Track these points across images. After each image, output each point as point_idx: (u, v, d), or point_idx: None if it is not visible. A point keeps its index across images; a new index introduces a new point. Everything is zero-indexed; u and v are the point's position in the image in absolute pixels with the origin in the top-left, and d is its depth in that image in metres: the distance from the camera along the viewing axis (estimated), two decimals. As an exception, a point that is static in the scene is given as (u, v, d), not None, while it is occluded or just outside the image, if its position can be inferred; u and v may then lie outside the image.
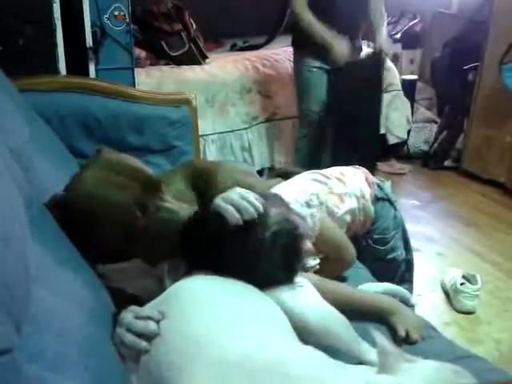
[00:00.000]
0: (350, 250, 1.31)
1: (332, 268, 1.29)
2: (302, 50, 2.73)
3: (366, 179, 1.45)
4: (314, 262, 1.26)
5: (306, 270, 1.20)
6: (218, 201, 0.98)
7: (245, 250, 0.97)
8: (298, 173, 1.54)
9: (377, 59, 2.78)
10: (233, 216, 0.95)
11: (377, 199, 1.44)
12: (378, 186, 1.48)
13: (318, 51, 2.59)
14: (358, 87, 2.69)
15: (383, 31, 2.78)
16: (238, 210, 0.95)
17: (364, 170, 1.51)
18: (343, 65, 2.59)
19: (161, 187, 1.04)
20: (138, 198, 0.99)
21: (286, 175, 1.60)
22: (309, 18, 2.55)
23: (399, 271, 1.51)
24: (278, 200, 1.09)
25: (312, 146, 2.83)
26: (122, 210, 0.97)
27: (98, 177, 1.01)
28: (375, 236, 1.46)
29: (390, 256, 1.49)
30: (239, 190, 0.99)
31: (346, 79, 2.68)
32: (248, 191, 1.00)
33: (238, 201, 0.96)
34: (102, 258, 1.04)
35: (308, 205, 1.26)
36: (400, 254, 1.52)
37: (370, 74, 2.79)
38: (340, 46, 2.55)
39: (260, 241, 0.97)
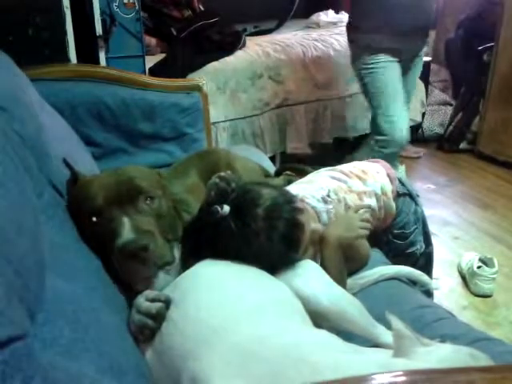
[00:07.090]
0: (365, 247, 1.29)
1: (347, 265, 1.24)
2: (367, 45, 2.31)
3: (388, 175, 1.42)
4: None
5: None
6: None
7: (242, 232, 1.00)
8: (307, 170, 1.52)
9: None
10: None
11: (398, 195, 1.42)
12: (400, 180, 1.45)
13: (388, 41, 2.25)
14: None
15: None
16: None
17: (385, 164, 1.47)
18: None
19: (136, 199, 0.97)
20: (111, 200, 0.96)
21: (294, 170, 1.60)
22: None
23: (418, 265, 1.49)
24: (277, 187, 1.13)
25: None
26: (87, 205, 0.96)
27: (104, 173, 1.04)
28: (395, 231, 1.44)
29: (409, 250, 1.47)
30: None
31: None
32: None
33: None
34: None
35: (324, 200, 1.24)
36: (419, 247, 1.49)
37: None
38: None
39: (254, 217, 1.00)
